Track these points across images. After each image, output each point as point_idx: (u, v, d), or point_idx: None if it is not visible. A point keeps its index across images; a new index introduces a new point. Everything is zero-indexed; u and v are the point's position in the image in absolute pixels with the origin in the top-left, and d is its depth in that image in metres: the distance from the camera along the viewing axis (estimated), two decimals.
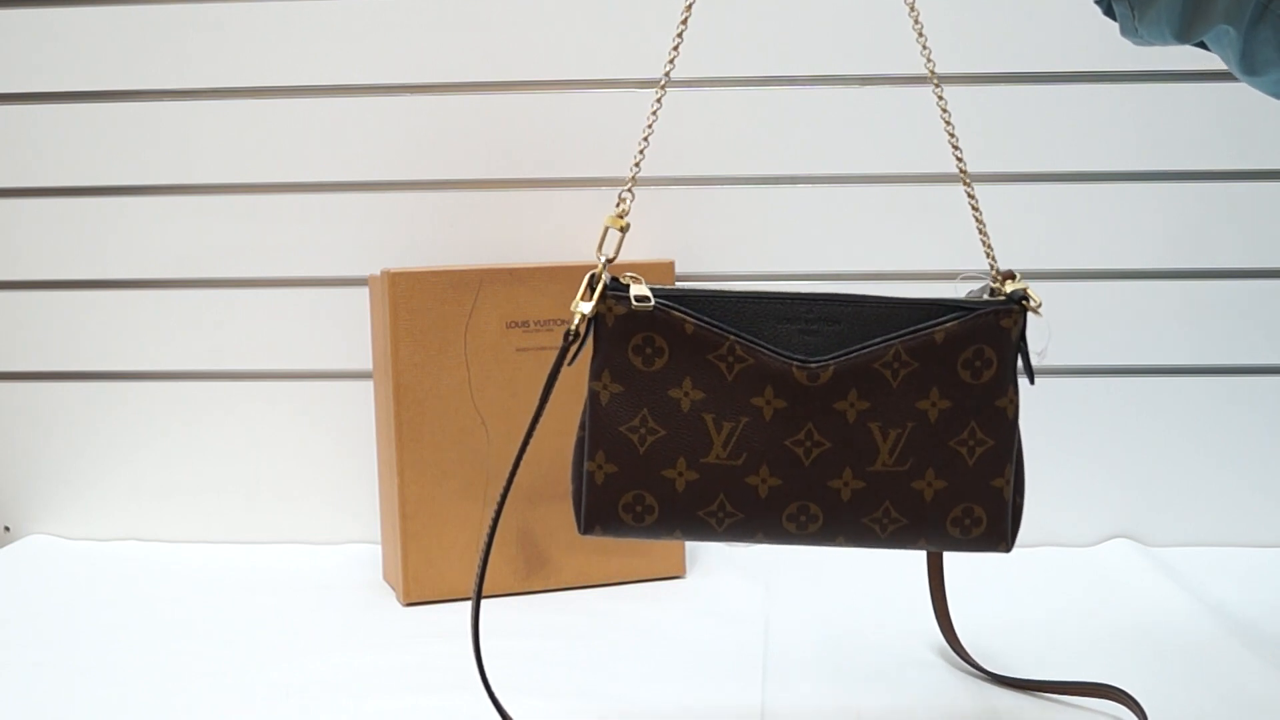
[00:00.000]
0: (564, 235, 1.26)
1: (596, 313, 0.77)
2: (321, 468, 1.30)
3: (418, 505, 1.12)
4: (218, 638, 1.04)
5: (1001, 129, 1.23)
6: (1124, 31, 0.82)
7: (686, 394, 0.77)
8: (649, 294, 0.77)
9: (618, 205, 0.79)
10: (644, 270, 1.15)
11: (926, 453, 0.79)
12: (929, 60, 0.83)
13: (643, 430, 0.77)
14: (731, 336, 0.76)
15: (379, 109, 1.26)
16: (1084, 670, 0.94)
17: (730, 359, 0.77)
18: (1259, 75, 0.78)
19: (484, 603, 1.12)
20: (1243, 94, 1.22)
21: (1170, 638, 1.00)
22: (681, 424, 0.77)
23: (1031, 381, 0.80)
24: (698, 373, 0.77)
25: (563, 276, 1.13)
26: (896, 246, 1.25)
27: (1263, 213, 1.23)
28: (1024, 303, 0.79)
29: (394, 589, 1.15)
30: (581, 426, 0.78)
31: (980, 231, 0.82)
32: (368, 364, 1.28)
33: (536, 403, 0.78)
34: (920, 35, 0.82)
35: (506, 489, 0.79)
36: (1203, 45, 0.81)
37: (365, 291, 1.28)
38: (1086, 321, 1.25)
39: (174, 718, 0.88)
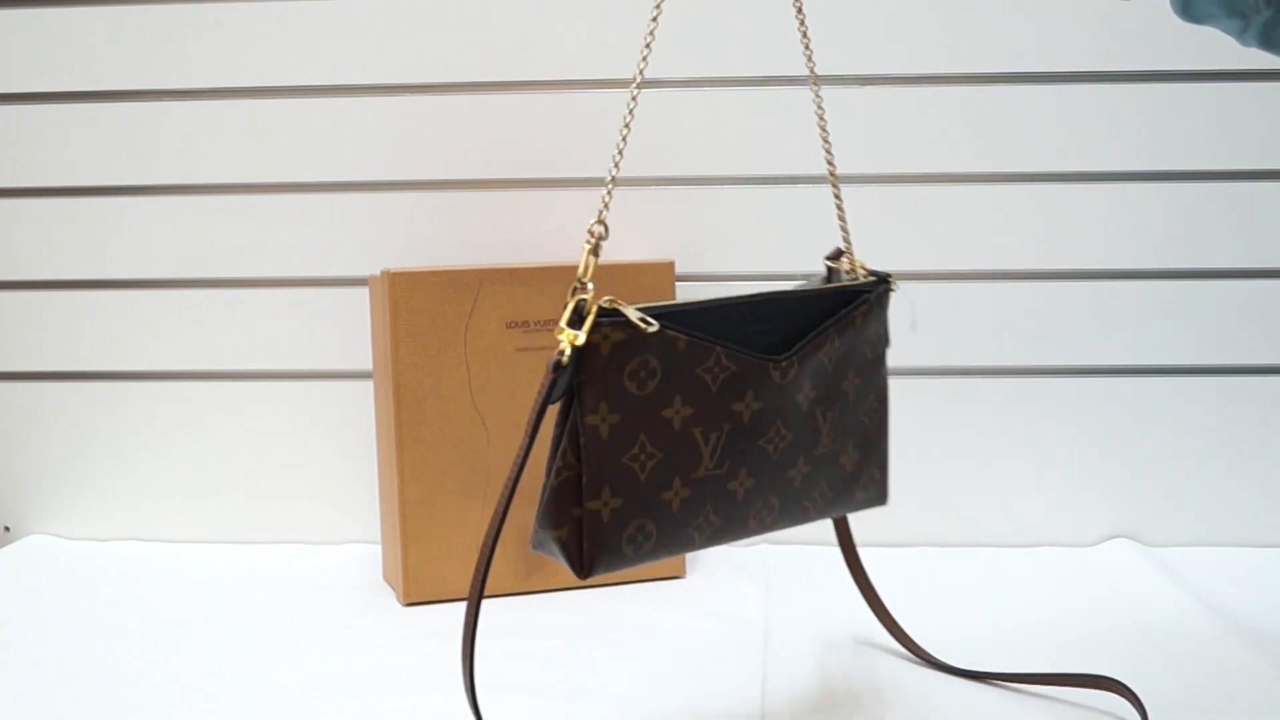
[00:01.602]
0: (564, 235, 1.26)
1: (592, 342, 0.71)
2: (321, 468, 1.30)
3: (418, 505, 1.12)
4: (218, 638, 1.04)
5: (1001, 129, 1.23)
6: None
7: (678, 412, 0.75)
8: (649, 317, 0.73)
9: (593, 240, 0.74)
10: (644, 270, 1.15)
11: (848, 429, 0.83)
12: (810, 60, 0.87)
13: (643, 457, 0.74)
14: (718, 346, 0.75)
15: (379, 109, 1.26)
16: (1084, 670, 0.94)
17: (716, 369, 0.76)
18: (1199, 23, 0.78)
19: (484, 602, 1.13)
20: (1242, 94, 1.22)
21: (1170, 638, 1.00)
22: (675, 443, 0.75)
23: (888, 344, 0.88)
24: (687, 389, 0.75)
25: (563, 276, 1.13)
26: (896, 246, 1.25)
27: (1262, 213, 1.23)
28: (888, 279, 0.87)
29: (394, 589, 1.15)
30: (568, 465, 0.72)
31: (840, 220, 0.89)
32: (368, 364, 1.28)
33: (527, 437, 0.72)
34: (802, 25, 0.85)
35: (503, 515, 0.73)
36: None
37: (365, 291, 1.28)
38: (1086, 321, 1.25)
39: (174, 718, 0.88)
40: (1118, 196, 1.24)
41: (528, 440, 0.72)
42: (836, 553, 1.25)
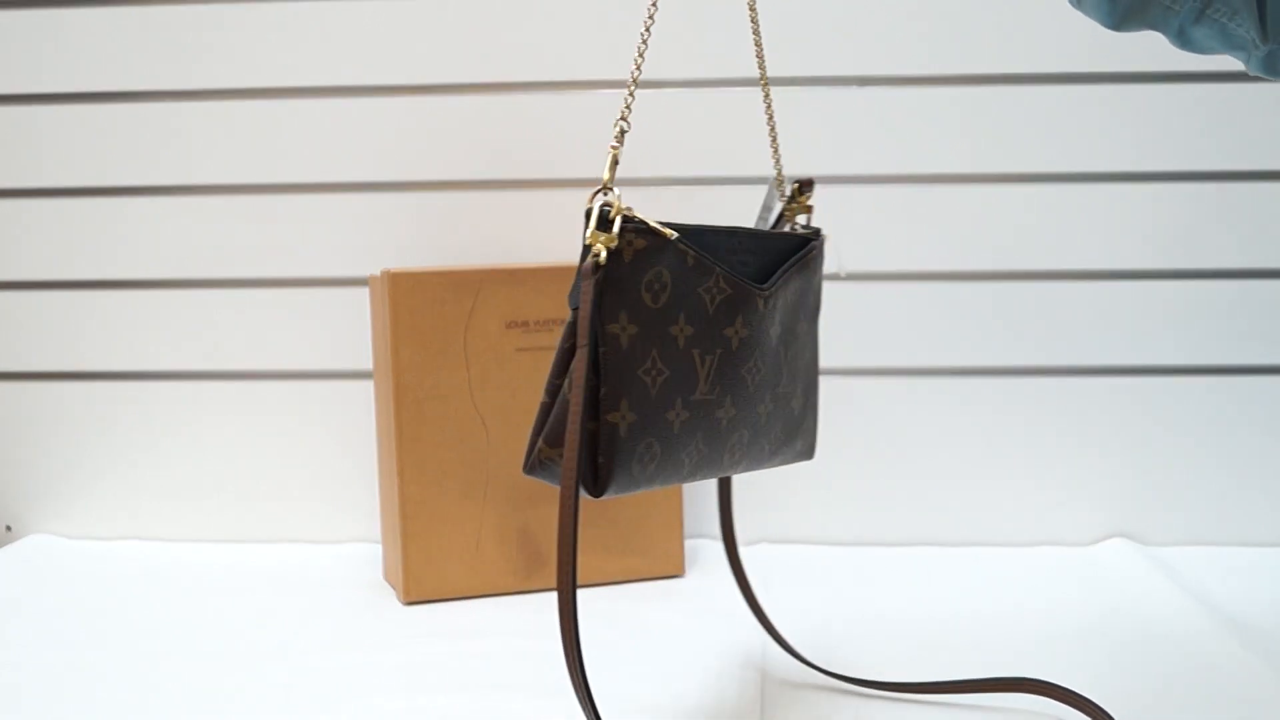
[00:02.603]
0: (564, 235, 1.26)
1: (617, 248, 0.69)
2: (321, 468, 1.31)
3: (418, 505, 1.12)
4: (218, 638, 1.04)
5: (1001, 129, 1.23)
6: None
7: (681, 330, 0.74)
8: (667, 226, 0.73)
9: (617, 146, 0.73)
10: None
11: (798, 372, 0.84)
12: (761, 63, 0.87)
13: (654, 372, 0.72)
14: (718, 268, 0.75)
15: (379, 109, 1.26)
16: (1083, 670, 0.94)
17: (715, 290, 0.75)
18: (1201, 54, 0.80)
19: (481, 602, 1.13)
20: (1241, 94, 1.22)
21: (1169, 637, 1.01)
22: (679, 362, 0.73)
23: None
24: (689, 307, 0.74)
25: (563, 276, 1.13)
26: (896, 246, 1.25)
27: (1261, 213, 1.23)
28: (819, 232, 0.88)
29: (394, 589, 1.16)
30: (585, 378, 0.69)
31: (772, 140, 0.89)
32: (368, 364, 1.29)
33: (586, 348, 0.69)
34: (755, 31, 0.85)
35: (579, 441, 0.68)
36: None
37: (365, 291, 1.28)
38: (1086, 321, 1.25)
39: (174, 718, 0.88)
40: (1117, 196, 1.24)
41: (589, 351, 0.69)
42: (836, 552, 1.25)
